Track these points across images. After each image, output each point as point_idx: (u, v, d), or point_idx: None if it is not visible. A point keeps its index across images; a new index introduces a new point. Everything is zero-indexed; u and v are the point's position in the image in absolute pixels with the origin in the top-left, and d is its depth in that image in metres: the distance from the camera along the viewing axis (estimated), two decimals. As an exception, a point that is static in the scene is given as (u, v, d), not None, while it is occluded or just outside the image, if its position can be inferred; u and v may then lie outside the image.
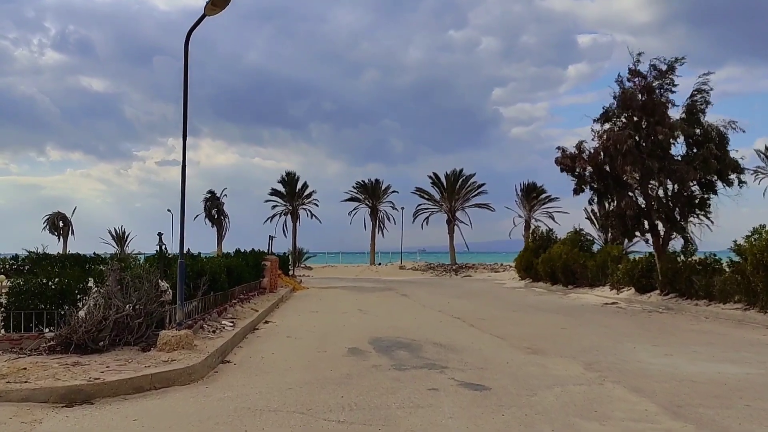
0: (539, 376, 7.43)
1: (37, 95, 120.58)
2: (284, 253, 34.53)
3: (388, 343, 10.16)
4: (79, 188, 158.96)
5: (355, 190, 56.78)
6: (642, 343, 10.10)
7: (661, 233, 17.80)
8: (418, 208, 53.59)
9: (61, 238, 55.10)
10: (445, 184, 51.64)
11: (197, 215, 53.99)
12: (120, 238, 56.29)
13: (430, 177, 52.59)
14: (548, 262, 26.20)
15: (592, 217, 43.11)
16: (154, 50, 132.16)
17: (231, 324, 10.71)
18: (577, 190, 17.29)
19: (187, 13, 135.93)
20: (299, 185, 55.38)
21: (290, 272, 34.47)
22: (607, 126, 17.28)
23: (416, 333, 11.39)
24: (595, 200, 17.55)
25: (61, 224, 55.28)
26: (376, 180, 56.95)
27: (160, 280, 8.32)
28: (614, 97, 16.55)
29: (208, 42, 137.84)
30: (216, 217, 52.81)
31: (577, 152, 16.76)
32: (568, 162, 16.73)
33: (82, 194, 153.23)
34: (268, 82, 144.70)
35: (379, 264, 54.20)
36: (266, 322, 13.28)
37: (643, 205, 17.37)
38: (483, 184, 52.19)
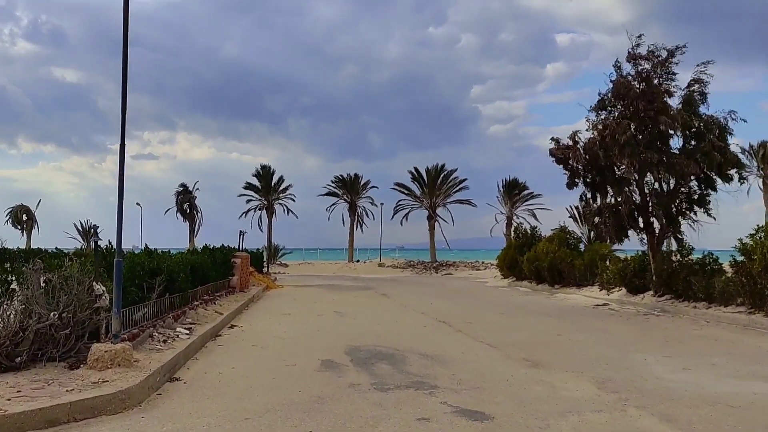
0: (548, 398, 6.24)
1: (8, 86, 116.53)
2: (258, 249, 33.04)
3: (367, 353, 8.91)
4: (53, 181, 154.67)
5: (333, 185, 55.30)
6: (652, 354, 8.99)
7: (656, 231, 16.81)
8: (399, 204, 52.39)
9: (25, 232, 52.75)
10: (425, 179, 50.33)
11: (168, 209, 52.21)
12: (86, 232, 53.89)
13: (411, 172, 51.34)
14: (534, 260, 25.18)
15: (576, 215, 42.43)
16: (129, 41, 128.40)
17: (187, 331, 9.35)
18: (570, 184, 16.20)
19: (163, 3, 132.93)
20: (275, 179, 53.72)
21: (264, 270, 32.99)
22: (602, 115, 16.22)
23: (399, 340, 10.16)
24: (588, 195, 16.47)
25: (24, 218, 52.84)
26: (355, 175, 55.50)
27: (95, 283, 6.95)
28: (612, 82, 15.45)
29: (185, 32, 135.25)
30: (188, 211, 50.92)
31: (571, 143, 15.65)
32: (562, 154, 15.61)
33: (55, 188, 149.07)
34: (246, 75, 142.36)
35: (358, 261, 52.89)
36: (231, 326, 11.93)
37: (638, 201, 16.38)
38: (465, 180, 51.20)
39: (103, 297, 6.85)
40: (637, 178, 15.54)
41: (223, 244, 19.96)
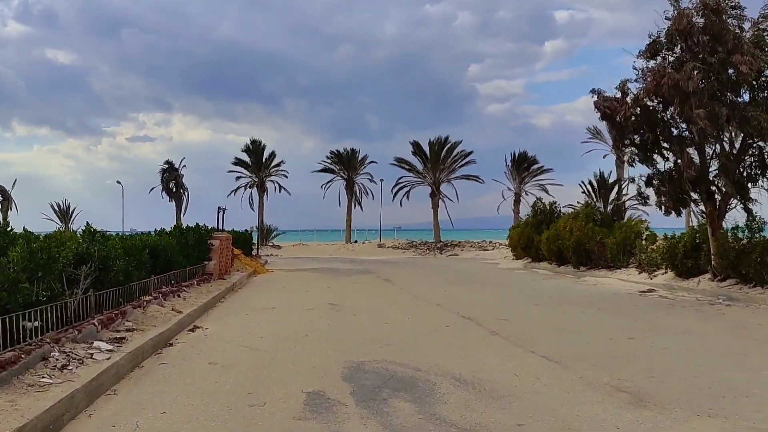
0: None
1: (1, 68, 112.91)
2: (246, 230, 30.05)
3: (375, 377, 6.03)
4: (48, 165, 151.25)
5: (329, 161, 51.80)
6: (790, 372, 6.14)
7: (717, 202, 13.92)
8: (399, 181, 48.88)
9: (0, 213, 49.33)
10: (428, 153, 46.66)
11: (152, 188, 48.93)
12: (64, 214, 50.62)
13: (412, 144, 47.66)
14: (555, 239, 22.29)
15: (590, 190, 39.59)
16: (122, 22, 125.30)
17: (112, 346, 6.44)
18: (619, 144, 13.31)
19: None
20: (266, 154, 50.13)
21: (254, 252, 30.09)
22: (652, 64, 13.21)
23: (418, 351, 7.29)
24: (637, 159, 13.49)
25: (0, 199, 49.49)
26: (352, 150, 51.85)
27: None
28: (667, 19, 12.41)
29: (179, 12, 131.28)
30: (174, 190, 47.65)
31: (620, 95, 12.63)
32: (610, 106, 12.60)
33: (51, 171, 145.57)
34: (241, 56, 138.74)
35: (356, 242, 49.94)
36: (192, 329, 9.02)
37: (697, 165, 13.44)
38: (471, 153, 47.34)
39: None
40: (697, 136, 12.54)
41: (197, 224, 17.01)
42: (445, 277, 20.24)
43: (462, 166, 46.82)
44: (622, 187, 37.09)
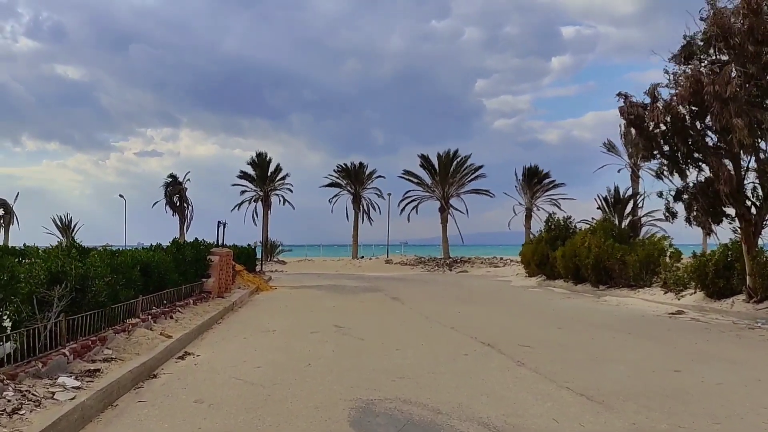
0: None
1: (10, 83, 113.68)
2: (250, 245, 29.18)
3: (387, 421, 5.09)
4: (57, 179, 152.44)
5: (336, 175, 51.02)
6: None
7: (753, 217, 12.94)
8: (407, 194, 47.83)
9: (2, 228, 48.62)
10: (437, 166, 45.61)
11: (156, 202, 48.22)
12: (66, 228, 49.93)
13: (420, 157, 46.59)
14: (572, 256, 21.29)
15: (604, 206, 38.56)
16: (130, 37, 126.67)
17: (79, 383, 5.52)
18: (647, 155, 12.34)
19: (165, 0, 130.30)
20: (271, 167, 49.38)
21: (258, 268, 29.18)
22: (685, 69, 12.31)
23: (436, 386, 6.34)
24: (666, 170, 12.55)
25: (1, 212, 48.75)
26: (360, 163, 51.05)
27: None
28: (703, 20, 11.54)
29: (186, 27, 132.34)
30: (178, 204, 46.90)
31: (651, 101, 11.74)
32: (638, 112, 11.69)
33: (59, 185, 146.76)
34: (247, 71, 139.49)
35: (362, 257, 48.95)
36: (182, 356, 8.10)
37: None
38: (481, 167, 46.12)
39: None
40: (737, 146, 11.60)
41: (196, 238, 16.15)
42: (456, 295, 19.26)
43: (472, 180, 45.79)
44: (638, 202, 36.12)
